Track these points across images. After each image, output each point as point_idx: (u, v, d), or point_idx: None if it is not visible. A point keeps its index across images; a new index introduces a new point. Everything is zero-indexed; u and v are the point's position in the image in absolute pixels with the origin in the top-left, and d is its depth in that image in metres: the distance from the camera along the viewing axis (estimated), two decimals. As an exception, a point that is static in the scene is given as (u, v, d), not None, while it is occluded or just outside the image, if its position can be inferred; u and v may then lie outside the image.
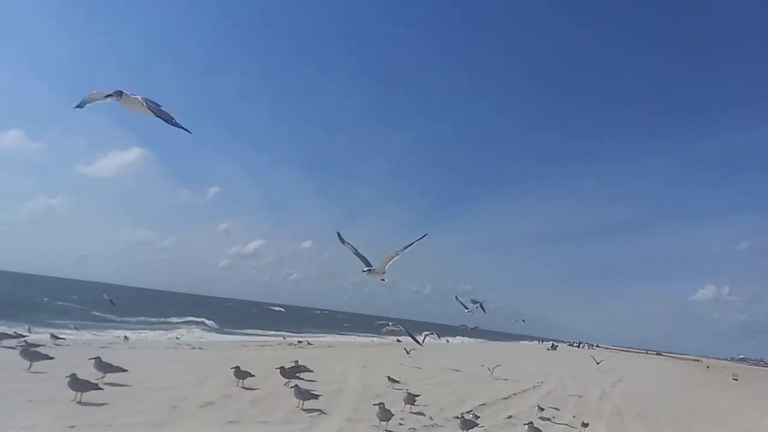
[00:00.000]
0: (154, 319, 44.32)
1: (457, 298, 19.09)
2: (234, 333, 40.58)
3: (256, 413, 10.33)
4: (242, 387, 12.77)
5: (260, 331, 44.98)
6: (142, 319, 43.12)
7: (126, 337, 23.09)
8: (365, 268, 8.94)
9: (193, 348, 21.49)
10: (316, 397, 11.60)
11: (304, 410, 11.05)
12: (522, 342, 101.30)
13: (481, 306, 18.33)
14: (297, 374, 13.93)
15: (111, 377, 11.39)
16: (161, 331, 30.92)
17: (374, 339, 47.57)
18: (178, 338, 25.86)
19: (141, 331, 30.47)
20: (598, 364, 29.81)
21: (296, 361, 14.47)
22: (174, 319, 45.85)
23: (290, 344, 29.51)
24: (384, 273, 8.86)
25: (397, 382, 14.27)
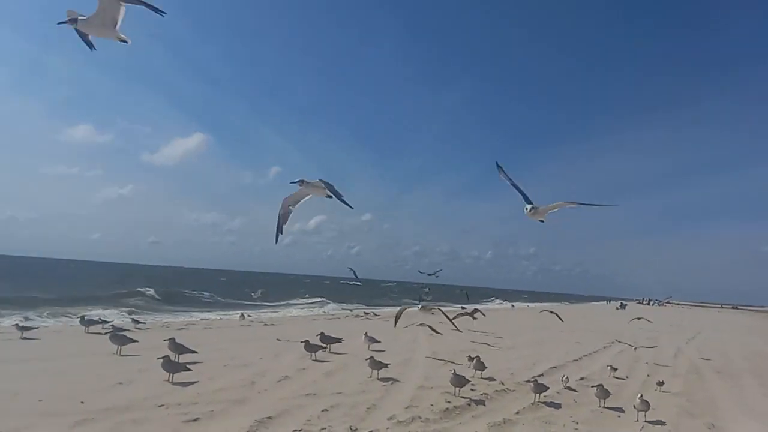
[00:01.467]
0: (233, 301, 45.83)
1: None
2: (303, 306, 42.01)
3: (331, 384, 10.68)
4: (315, 360, 13.22)
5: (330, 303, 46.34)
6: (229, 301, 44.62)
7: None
8: (529, 205, 8.30)
9: (266, 325, 22.27)
10: (386, 365, 11.88)
11: (379, 380, 11.35)
12: (591, 303, 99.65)
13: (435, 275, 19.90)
14: (323, 346, 14.20)
15: (192, 357, 12.01)
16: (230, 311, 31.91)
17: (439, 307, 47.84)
18: (250, 315, 26.79)
19: (221, 312, 31.47)
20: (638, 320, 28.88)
21: (322, 333, 14.71)
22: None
23: (357, 316, 30.12)
24: (545, 215, 8.32)
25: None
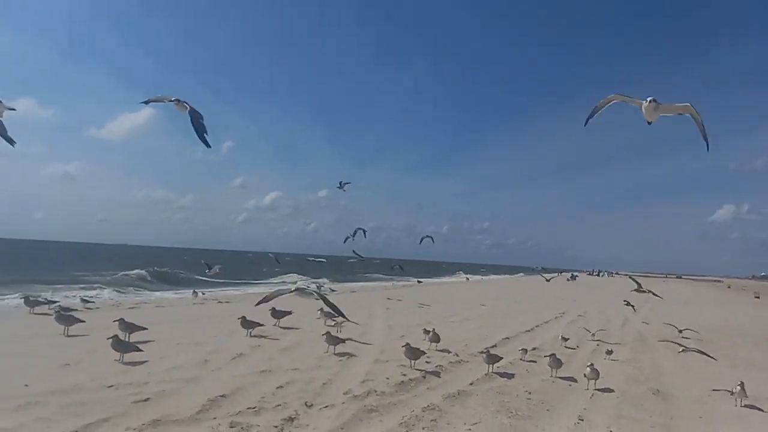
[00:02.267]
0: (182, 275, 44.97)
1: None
2: (258, 284, 41.48)
3: (287, 361, 10.61)
4: (271, 339, 13.13)
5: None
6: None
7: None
8: (649, 98, 7.10)
9: (220, 302, 21.97)
10: (344, 341, 11.88)
11: (335, 355, 11.33)
12: (543, 275, 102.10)
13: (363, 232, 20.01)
14: (259, 323, 13.81)
15: (143, 335, 11.73)
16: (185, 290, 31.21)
17: (394, 282, 48.19)
18: (203, 293, 26.28)
19: (171, 291, 30.85)
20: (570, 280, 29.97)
21: (273, 308, 14.62)
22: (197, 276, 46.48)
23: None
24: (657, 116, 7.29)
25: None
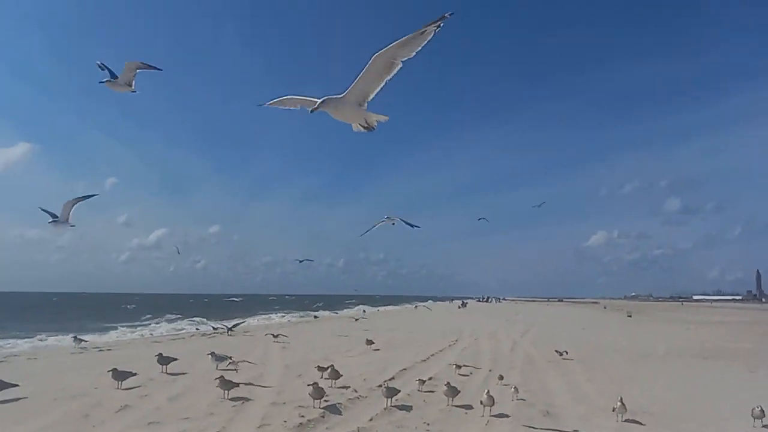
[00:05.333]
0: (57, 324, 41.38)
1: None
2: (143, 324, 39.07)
3: (177, 410, 10.00)
4: (159, 386, 12.36)
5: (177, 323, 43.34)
6: (47, 325, 40.00)
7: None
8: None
9: (101, 350, 20.44)
10: (238, 385, 11.41)
11: (229, 400, 10.85)
12: (437, 302, 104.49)
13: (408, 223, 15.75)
14: (132, 372, 12.56)
15: (13, 392, 10.67)
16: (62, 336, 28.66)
17: (289, 318, 47.30)
18: (82, 340, 24.23)
19: (49, 336, 28.04)
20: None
21: (160, 354, 14.05)
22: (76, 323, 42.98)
23: (204, 334, 28.75)
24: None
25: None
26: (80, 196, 8.45)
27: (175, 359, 14.50)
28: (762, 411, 9.59)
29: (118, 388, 11.91)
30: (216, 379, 11.32)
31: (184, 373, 13.83)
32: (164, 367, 13.96)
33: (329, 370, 12.64)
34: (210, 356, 14.96)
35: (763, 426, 9.66)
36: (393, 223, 15.47)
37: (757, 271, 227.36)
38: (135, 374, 12.46)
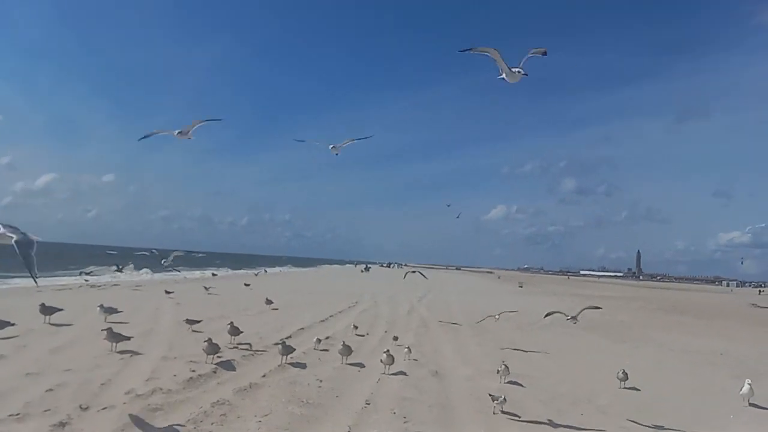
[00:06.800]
0: None
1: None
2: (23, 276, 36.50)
3: (59, 361, 9.50)
4: (40, 337, 11.70)
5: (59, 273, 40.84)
6: None
7: None
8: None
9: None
10: (128, 338, 11.03)
11: (117, 353, 10.47)
12: (338, 266, 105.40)
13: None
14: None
15: None
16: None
17: (186, 275, 46.05)
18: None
19: None
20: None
21: (42, 303, 13.40)
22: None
23: (93, 286, 27.46)
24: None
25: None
26: (209, 118, 8.46)
27: (60, 309, 13.79)
28: (625, 374, 10.67)
29: (45, 323, 11.39)
30: (103, 330, 10.89)
31: (69, 325, 13.17)
32: (47, 317, 13.22)
33: (229, 326, 12.50)
34: (99, 308, 14.35)
35: (626, 387, 10.67)
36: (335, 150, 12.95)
37: (638, 251, 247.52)
38: (12, 324, 11.62)
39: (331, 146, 9.57)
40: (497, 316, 18.34)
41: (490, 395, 8.70)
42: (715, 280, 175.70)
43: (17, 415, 6.72)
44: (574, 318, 9.79)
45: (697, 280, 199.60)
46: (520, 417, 8.39)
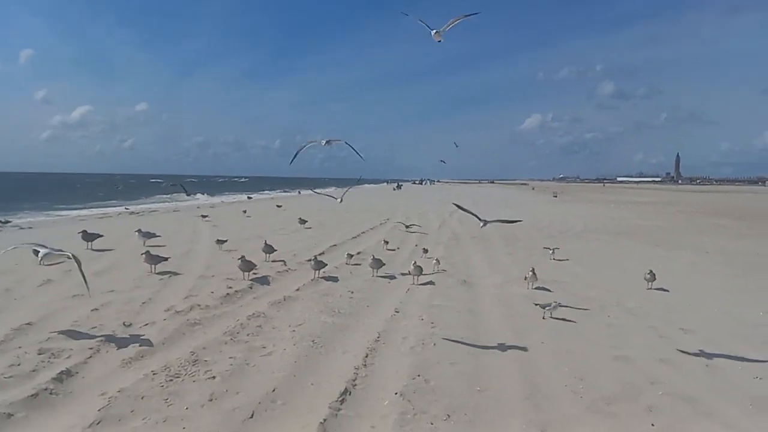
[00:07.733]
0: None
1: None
2: (70, 209, 37.83)
3: (102, 283, 9.97)
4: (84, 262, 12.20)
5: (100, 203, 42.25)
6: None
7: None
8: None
9: (22, 228, 19.83)
10: (166, 259, 11.45)
11: (156, 274, 10.92)
12: (371, 186, 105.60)
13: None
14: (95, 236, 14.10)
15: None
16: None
17: (222, 199, 46.97)
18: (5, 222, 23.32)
19: None
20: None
21: (84, 230, 14.01)
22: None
23: (132, 213, 28.30)
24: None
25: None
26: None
27: (101, 236, 14.34)
28: (653, 274, 10.67)
29: (87, 249, 13.04)
30: (142, 254, 11.32)
31: (110, 250, 13.72)
32: (89, 243, 13.77)
33: (264, 245, 12.85)
34: (137, 233, 14.85)
35: (655, 288, 10.70)
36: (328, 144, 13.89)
37: (677, 154, 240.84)
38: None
39: (434, 31, 9.10)
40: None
41: (536, 304, 8.88)
42: (758, 181, 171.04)
43: (66, 332, 7.14)
44: (485, 222, 9.76)
45: (739, 181, 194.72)
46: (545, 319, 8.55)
